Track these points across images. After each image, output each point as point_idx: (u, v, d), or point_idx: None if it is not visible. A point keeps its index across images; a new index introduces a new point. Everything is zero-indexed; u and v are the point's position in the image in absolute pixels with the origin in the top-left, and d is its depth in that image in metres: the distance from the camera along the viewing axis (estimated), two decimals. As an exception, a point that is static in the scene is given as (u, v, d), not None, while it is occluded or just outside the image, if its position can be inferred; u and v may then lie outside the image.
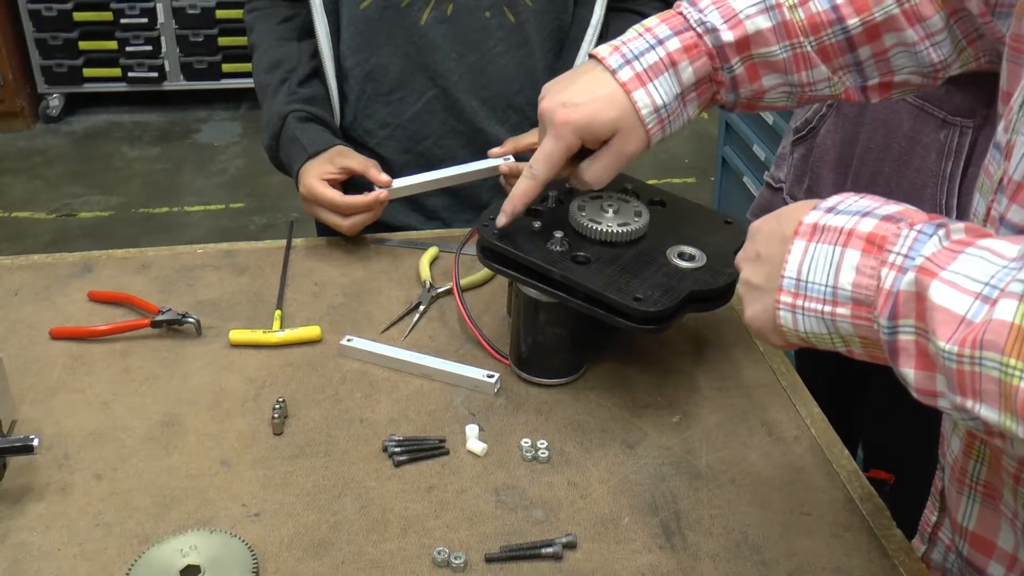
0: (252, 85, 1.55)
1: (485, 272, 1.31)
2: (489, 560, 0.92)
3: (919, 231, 0.68)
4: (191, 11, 4.42)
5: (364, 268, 1.36)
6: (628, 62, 0.97)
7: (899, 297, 0.67)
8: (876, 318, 0.68)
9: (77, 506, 0.97)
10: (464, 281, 1.29)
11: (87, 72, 4.50)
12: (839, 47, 0.97)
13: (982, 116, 1.23)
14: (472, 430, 1.06)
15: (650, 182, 1.25)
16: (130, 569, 0.89)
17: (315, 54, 1.47)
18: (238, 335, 1.20)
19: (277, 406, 1.08)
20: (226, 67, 4.56)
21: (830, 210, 0.74)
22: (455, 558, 0.91)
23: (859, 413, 1.69)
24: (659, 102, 0.97)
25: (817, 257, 0.73)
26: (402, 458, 1.03)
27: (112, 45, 4.47)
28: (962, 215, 1.24)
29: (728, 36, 0.96)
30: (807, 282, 0.73)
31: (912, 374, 0.67)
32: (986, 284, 0.63)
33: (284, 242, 1.40)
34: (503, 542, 0.94)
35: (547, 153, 1.00)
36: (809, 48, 0.97)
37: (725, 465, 1.04)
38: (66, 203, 3.93)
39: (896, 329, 0.67)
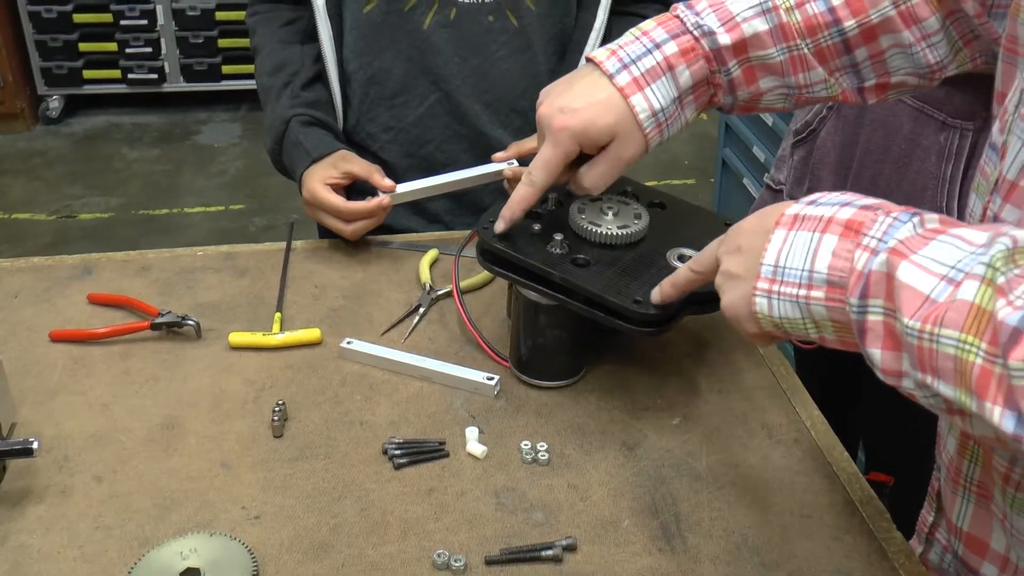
0: (252, 87, 1.55)
1: (485, 274, 1.31)
2: (489, 563, 0.92)
3: (895, 218, 0.71)
4: (191, 13, 4.42)
5: (364, 270, 1.36)
6: (625, 66, 0.97)
7: (870, 277, 0.69)
8: (847, 298, 0.70)
9: (77, 508, 0.97)
10: (464, 283, 1.29)
11: (87, 74, 4.51)
12: (836, 49, 0.97)
13: (982, 118, 1.23)
14: (472, 432, 1.06)
15: (650, 184, 1.25)
16: (130, 571, 0.89)
17: (318, 58, 1.47)
18: (238, 337, 1.20)
19: (277, 408, 1.08)
20: (226, 69, 4.57)
21: (811, 203, 0.77)
22: (455, 561, 0.91)
23: (853, 414, 1.69)
24: (657, 106, 0.97)
25: (796, 244, 0.75)
26: (402, 460, 1.03)
27: (112, 47, 4.47)
28: (962, 217, 1.24)
29: (725, 39, 0.96)
30: (785, 267, 0.75)
31: (878, 354, 0.69)
32: (952, 268, 0.65)
33: (284, 244, 1.40)
34: (503, 544, 0.94)
35: (545, 160, 1.00)
36: (806, 50, 0.97)
37: (725, 467, 1.04)
38: (66, 204, 3.93)
39: (866, 309, 0.69)
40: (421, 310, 1.27)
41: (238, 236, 3.64)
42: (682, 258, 1.10)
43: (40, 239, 3.69)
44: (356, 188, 1.40)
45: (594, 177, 1.01)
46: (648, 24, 0.99)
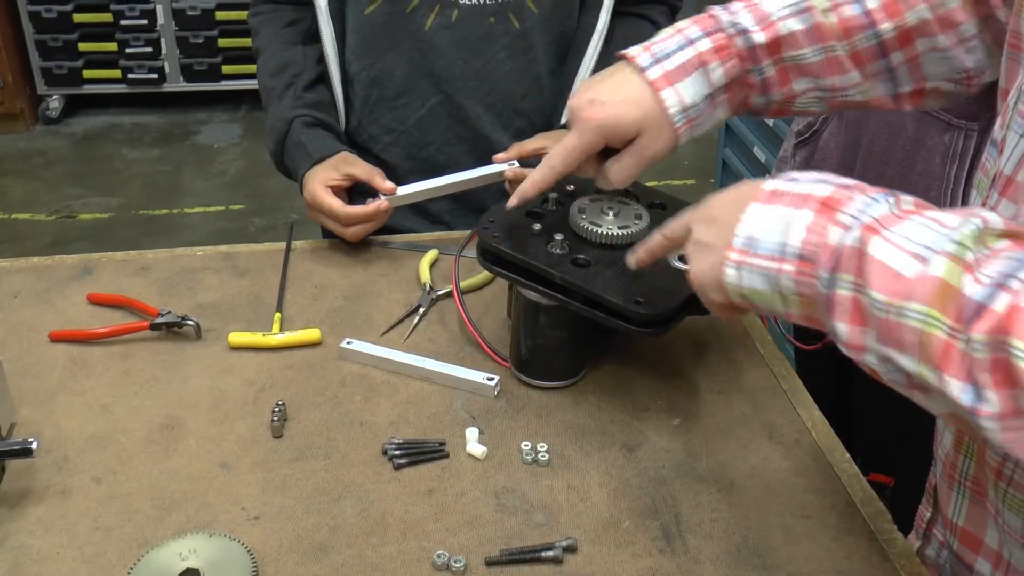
0: (252, 87, 1.55)
1: (485, 275, 1.31)
2: (489, 564, 0.92)
3: (871, 197, 0.72)
4: (191, 13, 4.42)
5: (364, 271, 1.36)
6: (658, 61, 0.97)
7: (842, 252, 0.70)
8: (817, 271, 0.72)
9: (76, 509, 0.97)
10: (464, 284, 1.29)
11: (87, 74, 4.50)
12: (871, 52, 0.96)
13: (986, 119, 1.23)
14: (472, 433, 1.06)
15: (650, 184, 1.25)
16: (129, 572, 0.89)
17: (320, 59, 1.47)
18: (238, 338, 1.20)
19: (277, 409, 1.08)
20: (226, 69, 4.56)
21: (789, 180, 0.78)
22: (455, 562, 0.91)
23: (857, 417, 1.68)
24: (688, 102, 0.97)
25: (771, 217, 0.76)
26: (402, 461, 1.03)
27: (112, 47, 4.47)
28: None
29: (760, 37, 0.96)
30: (758, 240, 0.76)
31: (844, 328, 0.70)
32: (924, 247, 0.66)
33: (284, 244, 1.40)
34: (503, 545, 0.93)
35: (567, 147, 1.01)
36: (841, 52, 0.96)
37: (726, 468, 1.04)
38: (66, 205, 3.93)
39: (835, 283, 0.70)
40: (421, 310, 1.27)
41: (238, 236, 3.64)
42: (683, 258, 1.10)
43: (40, 239, 3.69)
44: (358, 190, 1.40)
45: (619, 171, 1.01)
46: (683, 22, 1.00)
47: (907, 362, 0.66)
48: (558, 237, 1.09)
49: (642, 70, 0.97)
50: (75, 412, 1.09)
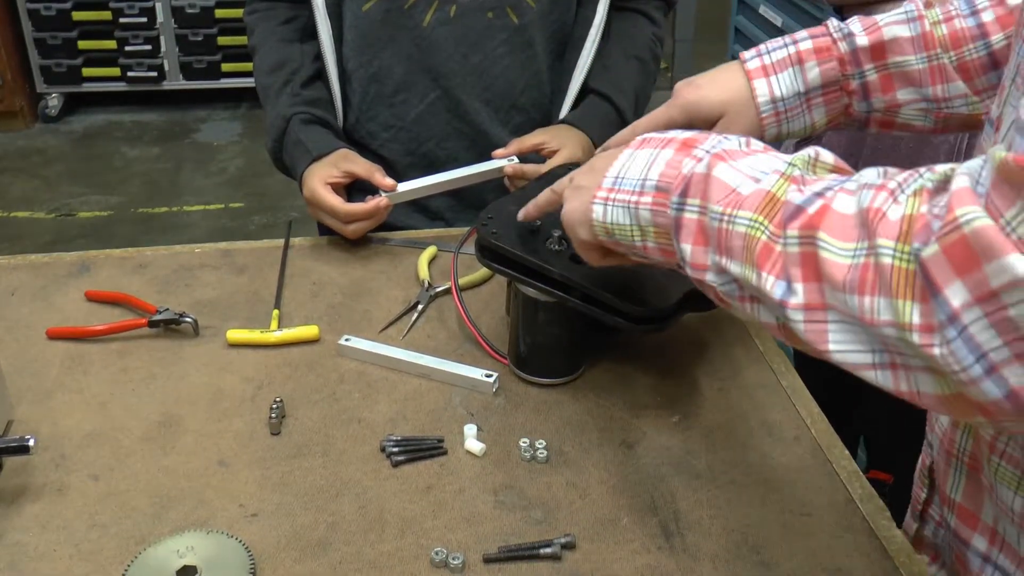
0: (252, 84, 1.55)
1: (484, 271, 1.31)
2: (487, 561, 0.91)
3: (725, 137, 0.79)
4: (190, 10, 4.42)
5: (362, 267, 1.36)
6: (759, 55, 1.01)
7: (692, 179, 0.76)
8: (670, 199, 0.78)
9: (74, 507, 0.97)
10: (463, 280, 1.28)
11: (86, 72, 4.50)
12: (981, 64, 0.95)
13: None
14: (470, 430, 1.06)
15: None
16: (127, 570, 0.88)
17: (318, 56, 1.47)
18: (236, 335, 1.20)
19: (275, 406, 1.08)
20: (226, 66, 4.56)
21: (660, 132, 0.85)
22: (453, 559, 0.90)
23: (856, 414, 1.68)
24: (778, 94, 1.00)
25: (638, 158, 0.83)
26: (400, 458, 1.03)
27: (111, 45, 4.46)
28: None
29: (863, 40, 0.98)
30: (623, 178, 0.83)
31: (688, 249, 0.76)
32: (760, 171, 0.73)
33: (282, 241, 1.40)
34: (501, 542, 0.93)
35: (654, 116, 1.05)
36: (947, 61, 0.96)
37: (725, 465, 1.04)
38: (65, 203, 3.92)
39: (683, 207, 0.76)
40: (420, 307, 1.26)
41: (238, 235, 3.63)
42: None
43: (39, 238, 3.68)
44: (357, 187, 1.40)
45: None
46: (800, 31, 1.03)
47: (734, 267, 0.71)
48: (556, 234, 1.09)
49: (744, 62, 1.02)
50: (72, 409, 1.09)
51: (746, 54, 1.03)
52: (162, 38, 4.49)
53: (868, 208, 0.64)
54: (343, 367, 1.17)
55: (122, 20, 4.40)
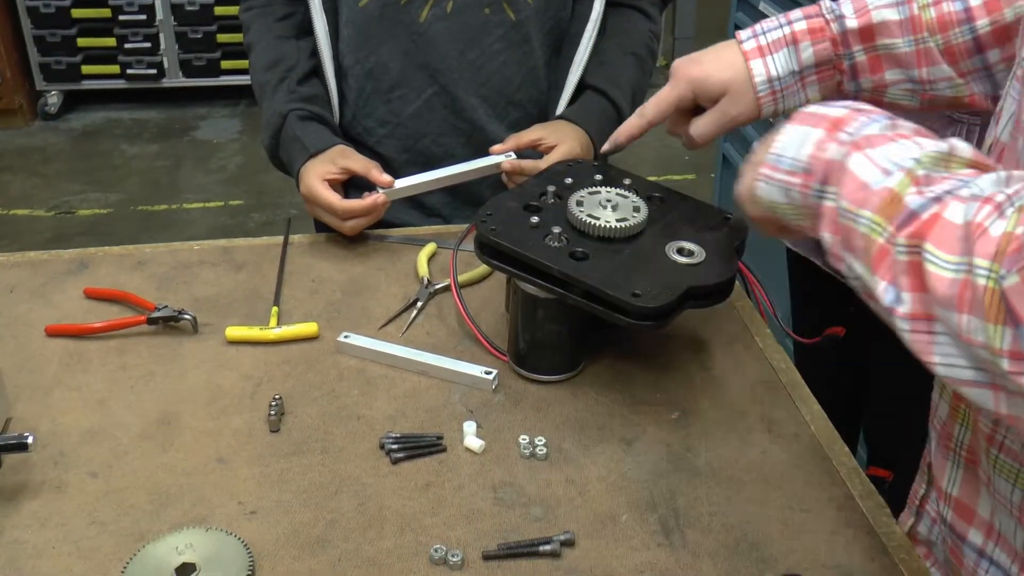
0: (250, 82, 1.55)
1: (483, 268, 1.31)
2: (486, 558, 0.91)
3: (871, 118, 0.78)
4: (190, 8, 4.42)
5: (362, 264, 1.36)
6: (755, 36, 1.04)
7: (832, 166, 0.77)
8: (812, 183, 0.79)
9: (72, 504, 0.97)
10: (462, 277, 1.28)
11: (85, 69, 4.50)
12: (966, 48, 0.97)
13: (988, 113, 1.22)
14: (470, 427, 1.06)
15: (650, 178, 1.25)
16: (125, 567, 0.88)
17: (314, 52, 1.47)
18: (235, 332, 1.20)
19: (274, 403, 1.08)
20: (225, 64, 4.56)
21: (824, 104, 0.84)
22: (452, 556, 0.90)
23: (858, 413, 1.68)
24: (774, 74, 1.03)
25: (795, 135, 0.82)
26: (399, 455, 1.03)
27: (111, 42, 4.46)
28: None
29: (853, 23, 1.01)
30: (782, 156, 0.83)
31: (828, 237, 0.76)
32: (893, 163, 0.72)
33: (281, 238, 1.40)
34: (500, 539, 0.93)
35: (660, 97, 1.09)
36: (933, 45, 0.98)
37: (724, 462, 1.04)
38: (65, 200, 3.92)
39: (824, 194, 0.77)
40: (419, 304, 1.26)
41: (237, 232, 3.64)
42: (681, 251, 1.10)
43: (39, 235, 3.68)
44: (354, 183, 1.40)
45: (701, 126, 1.08)
46: (794, 11, 1.05)
47: (858, 266, 0.72)
48: (556, 230, 1.09)
49: (740, 42, 1.04)
50: (71, 407, 1.09)
51: (742, 34, 1.05)
52: (161, 35, 4.48)
53: (972, 222, 0.63)
54: (342, 364, 1.17)
55: (121, 17, 4.40)
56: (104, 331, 1.20)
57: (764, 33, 1.04)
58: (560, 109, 1.48)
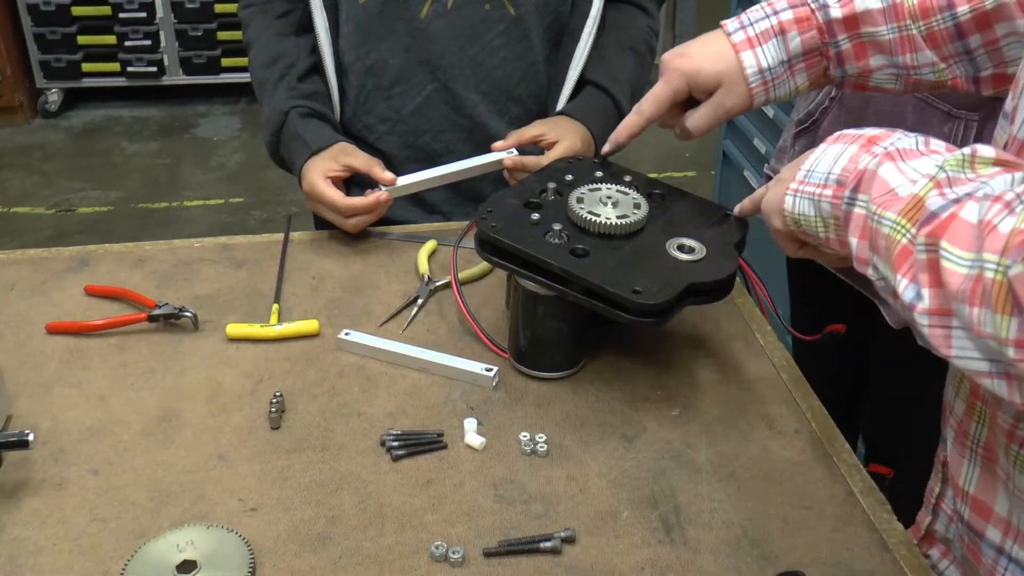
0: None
1: (484, 265, 1.31)
2: (487, 554, 0.91)
3: (905, 135, 0.80)
4: (190, 5, 4.41)
5: (362, 262, 1.36)
6: (743, 27, 1.06)
7: (864, 174, 0.79)
8: (844, 192, 0.81)
9: (73, 501, 0.97)
10: (463, 274, 1.28)
11: (86, 67, 4.50)
12: (948, 34, 0.98)
13: (987, 108, 1.22)
14: (470, 424, 1.06)
15: (650, 175, 1.24)
16: (126, 564, 0.88)
17: (314, 49, 1.46)
18: (235, 329, 1.20)
19: (274, 400, 1.08)
20: (225, 61, 4.56)
21: (857, 124, 0.87)
22: (453, 552, 0.90)
23: (859, 410, 1.68)
24: (764, 64, 1.05)
25: (828, 154, 0.85)
26: (400, 452, 1.03)
27: (111, 40, 4.46)
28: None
29: (836, 12, 1.02)
30: (812, 171, 0.86)
31: (855, 243, 0.79)
32: (921, 173, 0.74)
33: (282, 235, 1.39)
34: (501, 536, 0.93)
35: (655, 93, 1.11)
36: (916, 32, 1.00)
37: (725, 459, 1.04)
38: (65, 198, 3.92)
39: (854, 201, 0.79)
40: (419, 301, 1.26)
41: (238, 229, 3.63)
42: (682, 248, 1.10)
43: (39, 233, 3.68)
44: (355, 181, 1.40)
45: (696, 120, 1.10)
46: (779, 1, 1.06)
47: (882, 267, 0.74)
48: (556, 227, 1.09)
49: (728, 34, 1.05)
50: (72, 404, 1.09)
51: (729, 25, 1.06)
52: (162, 33, 4.48)
53: (983, 220, 0.65)
54: (343, 361, 1.17)
55: (122, 15, 4.40)
56: (104, 328, 1.20)
57: (752, 24, 1.05)
58: (560, 105, 1.48)
